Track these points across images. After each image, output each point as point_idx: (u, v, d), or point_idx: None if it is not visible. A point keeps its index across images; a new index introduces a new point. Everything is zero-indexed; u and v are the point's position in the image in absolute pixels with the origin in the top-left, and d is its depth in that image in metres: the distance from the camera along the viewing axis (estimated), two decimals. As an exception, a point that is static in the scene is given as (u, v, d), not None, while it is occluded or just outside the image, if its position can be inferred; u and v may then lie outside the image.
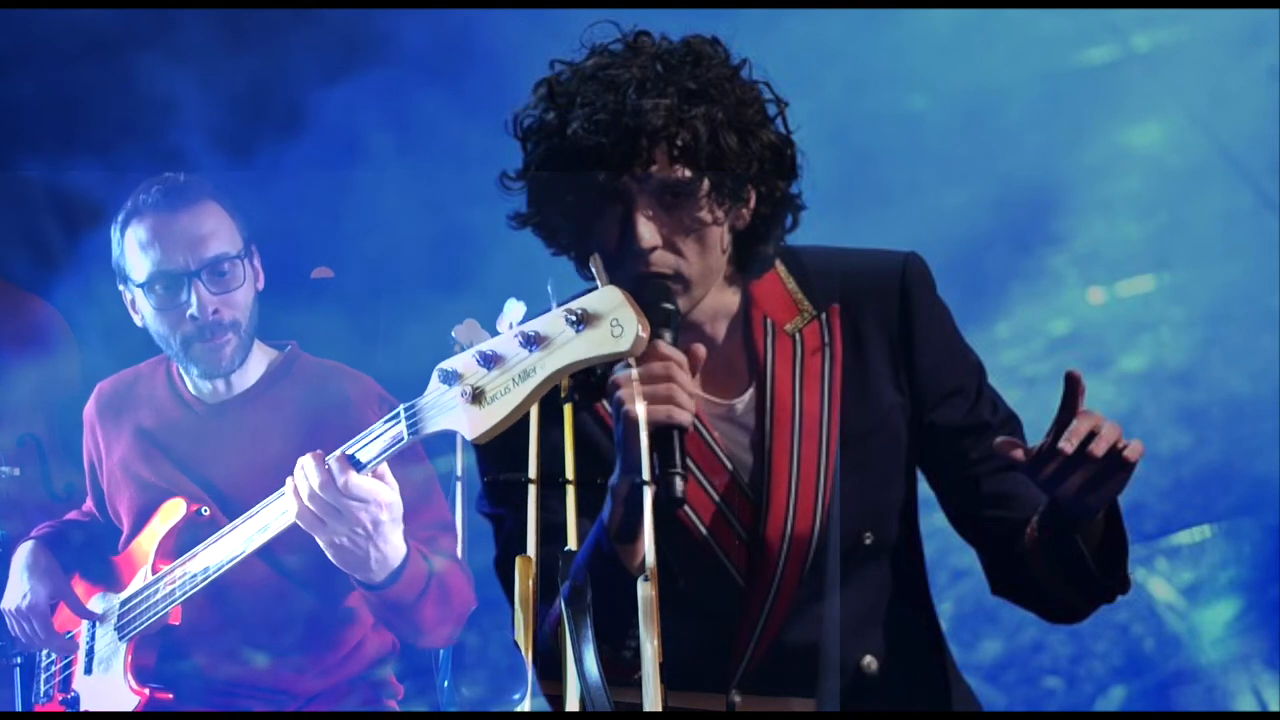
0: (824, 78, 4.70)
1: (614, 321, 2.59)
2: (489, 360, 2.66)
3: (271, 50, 4.81)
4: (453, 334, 2.71)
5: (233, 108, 4.74)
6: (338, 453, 3.37)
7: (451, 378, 2.71)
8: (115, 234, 3.93)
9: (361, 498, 3.38)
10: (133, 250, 3.88)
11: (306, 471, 3.40)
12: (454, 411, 2.72)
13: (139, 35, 4.76)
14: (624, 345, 2.59)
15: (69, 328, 4.55)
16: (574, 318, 2.60)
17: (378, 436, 3.14)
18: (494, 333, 2.70)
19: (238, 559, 3.59)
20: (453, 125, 4.58)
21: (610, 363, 2.67)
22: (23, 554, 3.92)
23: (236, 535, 3.60)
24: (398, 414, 2.97)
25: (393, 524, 3.46)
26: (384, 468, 3.40)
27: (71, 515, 4.09)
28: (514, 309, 2.67)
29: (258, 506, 3.57)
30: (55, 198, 4.83)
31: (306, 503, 3.41)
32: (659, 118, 2.86)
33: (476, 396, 2.68)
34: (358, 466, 3.35)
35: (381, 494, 3.41)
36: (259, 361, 3.95)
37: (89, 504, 4.07)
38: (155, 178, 3.94)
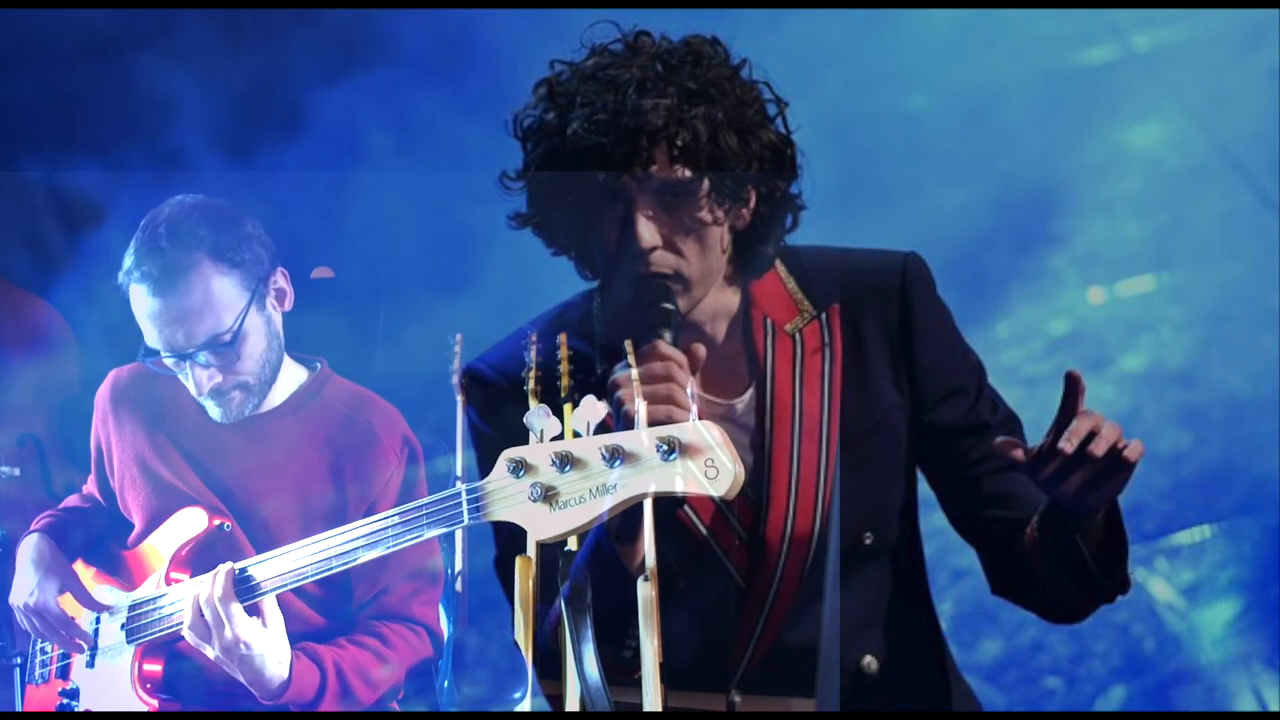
0: (824, 78, 4.70)
1: (709, 461, 2.57)
2: (566, 462, 2.64)
3: (271, 50, 4.81)
4: (525, 419, 2.68)
5: (233, 108, 4.74)
6: (227, 570, 3.58)
7: (520, 469, 2.68)
8: (123, 271, 3.87)
9: (229, 625, 3.57)
10: (135, 309, 3.80)
11: (205, 582, 3.60)
12: (521, 506, 2.68)
13: (139, 35, 4.75)
14: (718, 489, 2.57)
15: (69, 328, 4.54)
16: (666, 446, 2.58)
17: (430, 514, 2.97)
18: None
19: (264, 594, 3.61)
20: (453, 125, 4.57)
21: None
22: (28, 548, 3.90)
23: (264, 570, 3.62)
24: (457, 495, 2.83)
25: (263, 658, 3.62)
26: (267, 602, 3.59)
27: (70, 501, 4.06)
28: (593, 409, 2.64)
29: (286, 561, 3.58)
30: (55, 198, 4.83)
31: (205, 611, 3.58)
32: (659, 118, 2.86)
33: (548, 496, 2.65)
34: (250, 591, 3.56)
35: (243, 634, 3.58)
36: (288, 379, 3.91)
37: (89, 486, 4.06)
38: (153, 233, 3.77)
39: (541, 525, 2.66)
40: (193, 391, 3.81)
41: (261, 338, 3.82)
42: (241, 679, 3.64)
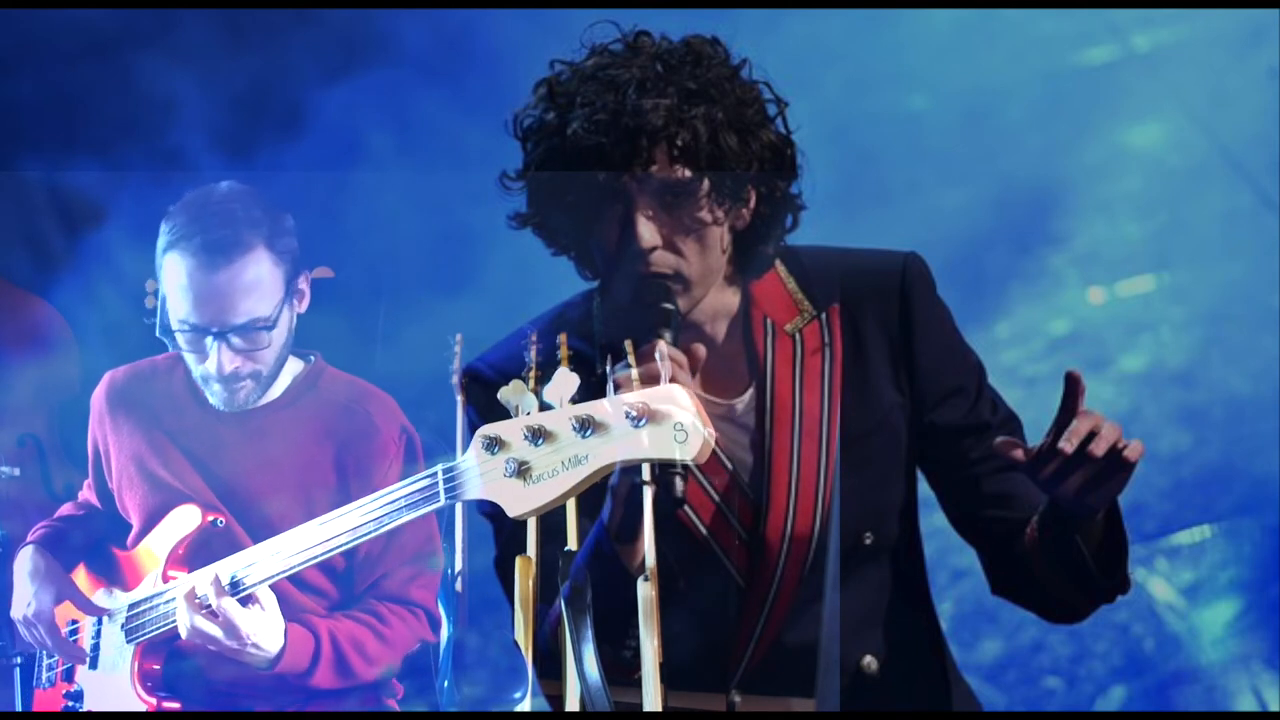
0: (824, 78, 4.70)
1: (678, 425, 2.55)
2: (538, 436, 2.62)
3: (271, 50, 4.81)
4: (499, 395, 2.66)
5: (233, 108, 4.74)
6: (214, 575, 3.56)
7: (495, 445, 2.66)
8: (160, 240, 3.84)
9: (229, 624, 3.57)
10: (168, 279, 3.79)
11: (188, 602, 3.60)
12: (495, 483, 2.66)
13: (139, 35, 4.76)
14: (688, 453, 2.56)
15: (69, 328, 4.54)
16: (634, 413, 2.57)
17: (408, 497, 2.99)
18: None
19: (253, 589, 3.60)
20: (453, 125, 4.58)
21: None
22: (24, 560, 3.90)
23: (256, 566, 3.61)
24: (434, 475, 2.84)
25: (256, 646, 3.63)
26: (262, 591, 3.58)
27: (65, 510, 4.06)
28: (565, 381, 2.62)
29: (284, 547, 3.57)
30: (55, 198, 4.83)
31: (189, 632, 3.60)
32: (659, 118, 2.86)
33: (522, 471, 2.64)
34: (235, 589, 3.55)
35: (245, 626, 3.58)
36: (284, 373, 3.92)
37: (85, 493, 4.05)
38: (214, 208, 3.79)
39: (516, 501, 2.65)
40: (209, 371, 3.79)
41: (284, 332, 3.84)
42: (239, 659, 3.65)
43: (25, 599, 3.86)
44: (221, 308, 3.75)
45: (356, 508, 3.18)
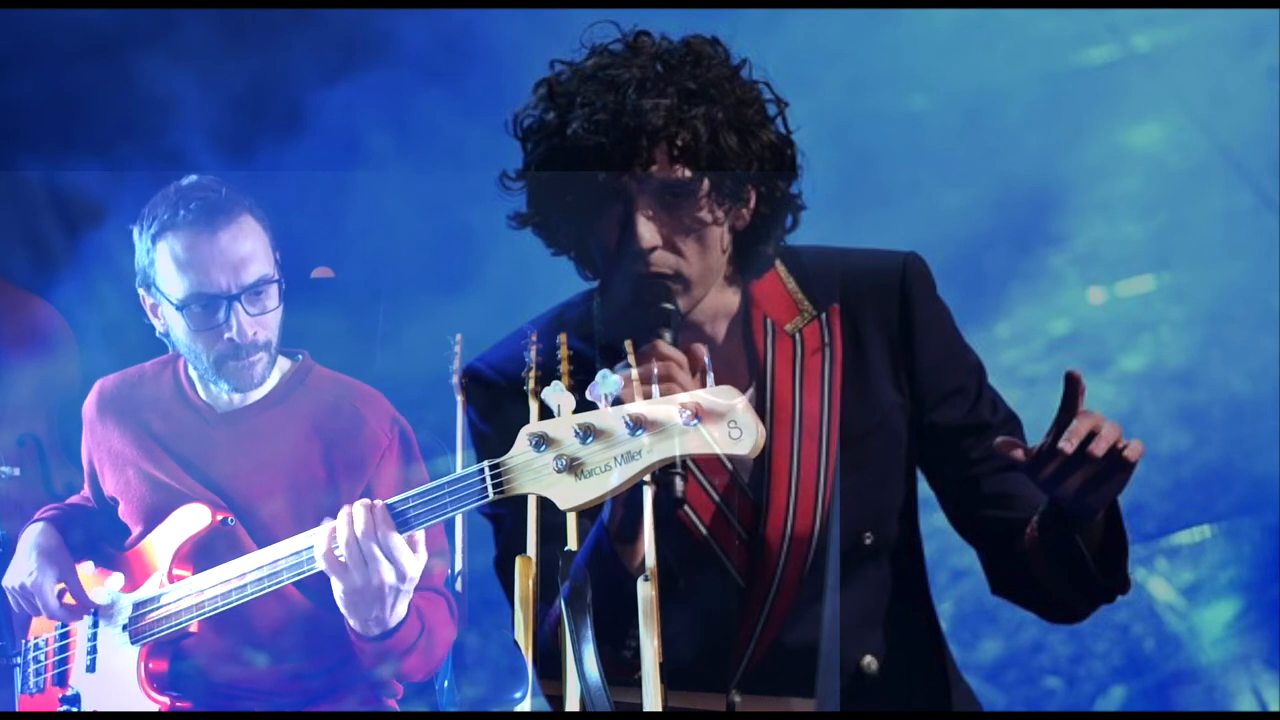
0: (824, 78, 4.70)
1: (733, 423, 2.61)
2: (589, 433, 2.68)
3: (271, 50, 4.82)
4: (542, 396, 2.70)
5: (233, 108, 4.75)
6: (383, 504, 3.34)
7: (543, 443, 2.71)
8: (143, 240, 3.83)
9: (390, 558, 3.39)
10: (165, 265, 3.81)
11: (353, 516, 3.38)
12: (545, 479, 2.72)
13: (139, 35, 4.76)
14: (742, 449, 2.61)
15: (69, 328, 4.55)
16: (688, 412, 2.62)
17: (454, 491, 2.94)
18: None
19: (269, 589, 3.57)
20: (453, 125, 4.58)
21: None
22: (33, 533, 3.89)
23: (267, 562, 3.58)
24: (480, 471, 2.83)
25: (404, 595, 3.49)
26: (419, 534, 3.40)
27: (75, 499, 4.07)
28: (610, 383, 2.67)
29: (289, 547, 3.53)
30: (55, 198, 4.83)
31: (343, 547, 3.39)
32: (659, 118, 2.86)
33: (573, 467, 2.69)
34: (403, 525, 3.33)
35: (408, 565, 3.41)
36: (273, 370, 3.94)
37: (87, 491, 4.05)
38: (193, 186, 3.83)
39: (568, 495, 2.69)
40: (233, 341, 3.79)
41: (280, 303, 3.87)
42: (354, 617, 3.51)
43: (27, 569, 3.84)
44: (234, 266, 3.80)
45: (398, 501, 3.19)
